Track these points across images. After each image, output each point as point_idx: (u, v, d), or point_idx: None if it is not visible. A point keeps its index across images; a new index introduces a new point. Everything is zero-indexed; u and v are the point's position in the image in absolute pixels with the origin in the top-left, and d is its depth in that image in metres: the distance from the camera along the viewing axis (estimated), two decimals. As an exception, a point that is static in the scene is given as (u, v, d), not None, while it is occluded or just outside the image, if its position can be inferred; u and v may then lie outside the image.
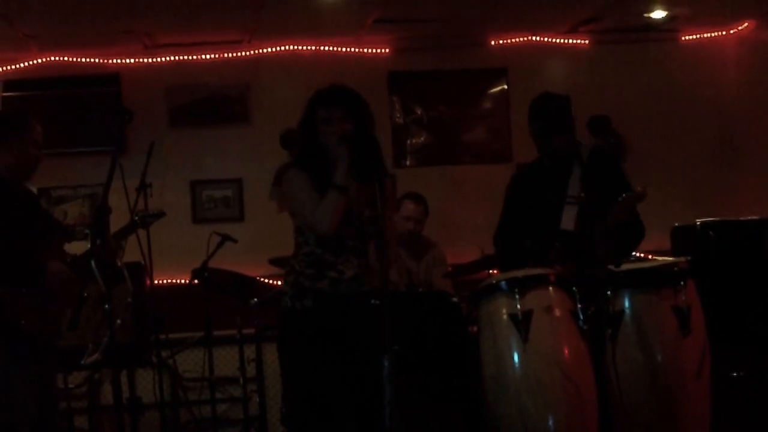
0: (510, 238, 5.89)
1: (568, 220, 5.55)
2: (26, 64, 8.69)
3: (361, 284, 4.92)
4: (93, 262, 5.02)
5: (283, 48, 8.97)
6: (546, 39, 9.31)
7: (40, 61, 8.69)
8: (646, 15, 8.76)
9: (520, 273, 5.30)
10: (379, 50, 9.11)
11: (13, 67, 8.68)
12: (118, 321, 5.14)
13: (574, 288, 5.21)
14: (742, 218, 7.61)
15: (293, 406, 5.09)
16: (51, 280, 5.27)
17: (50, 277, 5.27)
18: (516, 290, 5.15)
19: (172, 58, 8.85)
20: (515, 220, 5.87)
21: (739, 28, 9.37)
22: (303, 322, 4.88)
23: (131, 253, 6.35)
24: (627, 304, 5.28)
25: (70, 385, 7.49)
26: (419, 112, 9.24)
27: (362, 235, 4.97)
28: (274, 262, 7.33)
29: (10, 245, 5.18)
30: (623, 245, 5.40)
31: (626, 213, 5.34)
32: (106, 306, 4.92)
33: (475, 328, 5.32)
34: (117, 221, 5.71)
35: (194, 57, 8.87)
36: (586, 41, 9.36)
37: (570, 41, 9.35)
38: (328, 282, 4.88)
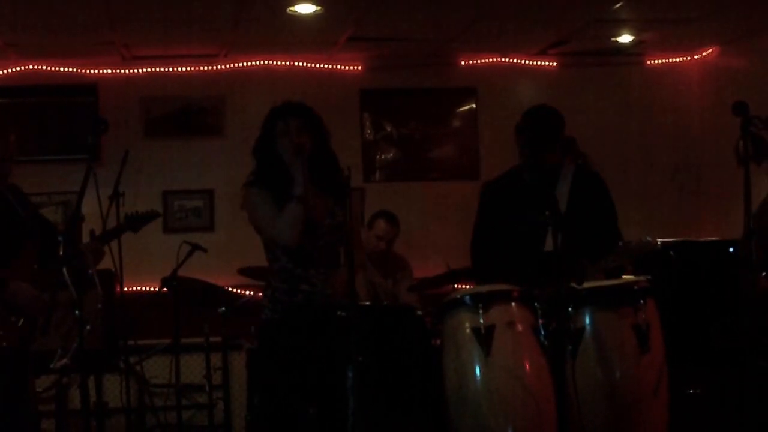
0: (488, 253, 5.82)
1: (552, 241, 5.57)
2: (5, 71, 8.75)
3: (331, 296, 5.04)
4: (65, 269, 5.06)
5: (257, 63, 9.08)
6: (515, 60, 9.44)
7: (18, 69, 8.75)
8: (613, 39, 8.87)
9: (484, 288, 5.34)
10: (351, 67, 9.23)
11: (-8, 74, 8.75)
12: (88, 327, 5.16)
13: (536, 304, 5.23)
14: (701, 239, 7.73)
15: (258, 414, 5.19)
16: (10, 297, 5.15)
17: (9, 294, 5.14)
18: (479, 305, 5.15)
19: (149, 69, 8.93)
20: (493, 234, 5.80)
21: (704, 53, 9.52)
22: (275, 333, 5.01)
23: (102, 260, 6.41)
24: (588, 321, 5.28)
25: (38, 389, 7.52)
26: (389, 128, 9.34)
27: (328, 245, 5.07)
28: (243, 272, 7.42)
29: None
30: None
31: (627, 259, 5.40)
32: (77, 312, 4.95)
33: (438, 342, 5.35)
34: (90, 229, 5.80)
35: (170, 69, 8.96)
36: (554, 63, 9.50)
37: (538, 63, 9.48)
38: (302, 296, 5.01)
